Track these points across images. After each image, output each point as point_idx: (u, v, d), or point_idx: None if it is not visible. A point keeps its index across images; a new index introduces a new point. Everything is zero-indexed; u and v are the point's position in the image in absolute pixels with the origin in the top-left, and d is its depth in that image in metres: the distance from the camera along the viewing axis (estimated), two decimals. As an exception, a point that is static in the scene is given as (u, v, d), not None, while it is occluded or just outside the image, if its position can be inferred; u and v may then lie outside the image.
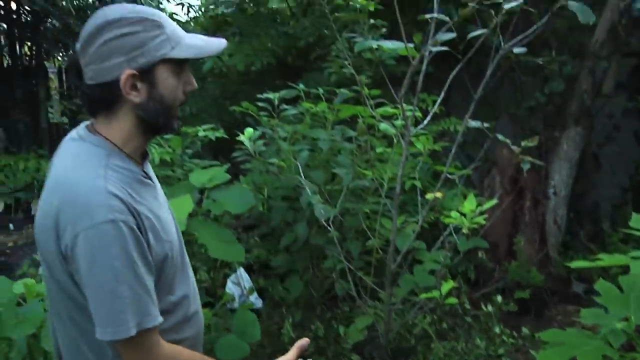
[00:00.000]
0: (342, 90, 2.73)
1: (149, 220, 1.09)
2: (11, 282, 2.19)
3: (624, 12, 3.38)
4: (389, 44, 1.84)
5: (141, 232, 1.06)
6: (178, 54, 1.09)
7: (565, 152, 3.83)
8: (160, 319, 1.07)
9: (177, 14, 7.22)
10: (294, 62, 5.22)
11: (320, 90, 2.95)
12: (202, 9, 6.55)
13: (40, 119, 6.75)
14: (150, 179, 1.20)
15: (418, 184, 2.47)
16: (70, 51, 7.00)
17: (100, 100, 1.11)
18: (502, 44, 1.80)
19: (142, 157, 1.21)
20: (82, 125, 1.17)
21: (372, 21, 2.26)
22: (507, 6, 1.69)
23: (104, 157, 1.09)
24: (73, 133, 1.17)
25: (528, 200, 3.81)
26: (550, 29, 3.64)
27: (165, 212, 1.23)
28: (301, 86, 3.02)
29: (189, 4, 6.66)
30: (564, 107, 3.85)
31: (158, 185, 1.27)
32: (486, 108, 4.34)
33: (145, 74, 1.08)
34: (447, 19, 1.75)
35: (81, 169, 1.06)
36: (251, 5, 6.00)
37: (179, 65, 1.13)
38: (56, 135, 7.39)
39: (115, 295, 1.00)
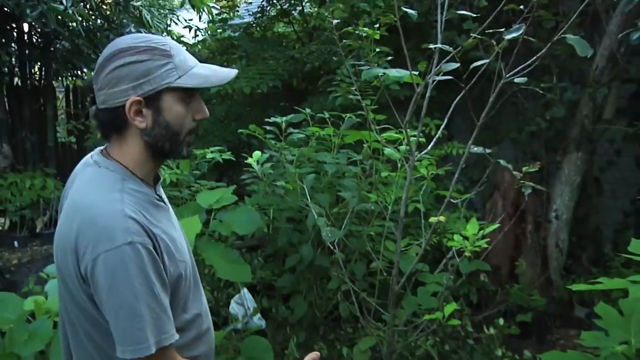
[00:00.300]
0: (349, 115, 2.79)
1: (164, 242, 1.14)
2: (21, 300, 2.22)
3: (622, 40, 3.45)
4: (394, 72, 1.90)
5: (157, 253, 1.10)
6: (183, 82, 1.14)
7: (566, 176, 3.87)
8: (176, 336, 1.11)
9: (184, 37, 7.33)
10: (299, 85, 5.30)
11: (326, 115, 3.02)
12: (209, 32, 6.67)
13: (48, 138, 6.82)
14: (162, 201, 1.25)
15: (421, 207, 2.51)
16: (78, 72, 7.11)
17: (111, 124, 1.17)
18: (504, 71, 1.86)
19: (154, 180, 1.27)
20: (97, 150, 1.23)
21: (377, 49, 2.32)
22: (508, 37, 1.76)
23: (119, 181, 1.14)
24: (88, 158, 1.23)
25: (530, 223, 3.84)
26: (551, 56, 3.72)
27: (178, 232, 1.27)
28: (307, 110, 3.08)
29: (196, 27, 6.79)
30: (566, 132, 3.90)
31: (170, 207, 1.32)
32: (488, 132, 4.40)
33: (151, 100, 1.13)
34: (450, 49, 1.81)
35: (98, 193, 1.11)
36: (258, 29, 6.12)
37: (186, 93, 1.17)
38: (62, 154, 7.47)
39: (135, 314, 1.04)
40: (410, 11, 1.96)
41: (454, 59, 1.83)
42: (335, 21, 2.18)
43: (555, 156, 3.99)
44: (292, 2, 5.81)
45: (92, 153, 1.23)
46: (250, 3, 6.82)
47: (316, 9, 5.68)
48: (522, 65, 1.85)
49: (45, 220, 6.05)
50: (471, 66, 1.81)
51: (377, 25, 2.19)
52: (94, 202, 1.10)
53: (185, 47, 1.27)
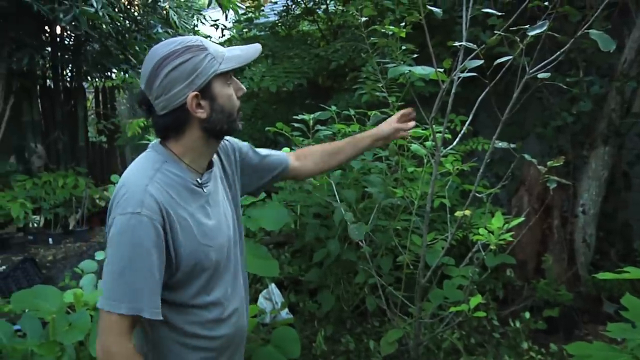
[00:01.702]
0: (375, 112, 2.83)
1: (186, 222, 1.25)
2: (61, 292, 2.32)
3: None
4: (420, 70, 1.94)
5: (168, 231, 1.21)
6: (226, 66, 1.27)
7: (593, 170, 3.84)
8: (154, 314, 1.20)
9: (211, 36, 7.45)
10: (325, 83, 5.35)
11: (352, 112, 3.06)
12: (236, 31, 6.76)
13: (79, 138, 7.00)
14: (202, 187, 1.33)
15: (447, 202, 2.54)
16: (108, 73, 7.27)
17: (173, 126, 1.28)
18: (527, 67, 1.88)
19: (206, 167, 1.38)
20: (157, 139, 1.35)
21: (403, 47, 2.36)
22: (531, 33, 1.77)
23: (159, 162, 1.27)
24: (150, 144, 1.36)
25: (556, 218, 3.82)
26: (578, 49, 3.69)
27: (213, 220, 1.35)
28: (333, 108, 3.13)
29: (223, 25, 6.88)
30: (593, 127, 3.87)
31: (217, 194, 1.41)
32: (514, 127, 4.39)
33: (205, 91, 1.25)
34: (474, 47, 1.84)
35: (137, 168, 1.27)
36: (283, 28, 6.18)
37: (228, 76, 1.29)
38: (93, 153, 7.65)
39: (124, 275, 1.17)
40: (435, 9, 1.99)
41: (478, 56, 1.86)
42: (363, 19, 2.22)
43: (581, 151, 3.95)
44: (317, 0, 5.85)
45: (153, 141, 1.36)
46: (276, 2, 6.88)
47: (340, 7, 5.71)
48: (547, 60, 1.86)
49: (77, 218, 6.22)
50: (495, 62, 1.83)
51: (403, 24, 2.23)
52: (130, 174, 1.26)
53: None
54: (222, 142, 1.50)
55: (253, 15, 6.50)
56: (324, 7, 5.84)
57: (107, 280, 1.18)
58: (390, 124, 1.84)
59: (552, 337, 3.34)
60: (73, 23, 4.98)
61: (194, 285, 1.29)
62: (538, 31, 1.73)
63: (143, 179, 1.22)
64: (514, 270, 3.55)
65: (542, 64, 1.85)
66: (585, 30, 1.66)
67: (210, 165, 1.40)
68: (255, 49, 1.34)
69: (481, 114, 4.11)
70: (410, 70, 1.98)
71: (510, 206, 3.93)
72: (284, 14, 6.18)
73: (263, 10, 6.67)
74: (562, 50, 1.79)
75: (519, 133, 4.43)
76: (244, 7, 6.66)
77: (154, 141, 1.35)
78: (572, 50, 3.68)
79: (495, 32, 1.86)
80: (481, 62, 1.84)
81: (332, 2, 5.79)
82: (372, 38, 2.32)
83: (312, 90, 5.38)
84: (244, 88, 1.37)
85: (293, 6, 6.13)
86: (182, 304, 1.30)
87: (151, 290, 1.19)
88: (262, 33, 6.19)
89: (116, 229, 1.18)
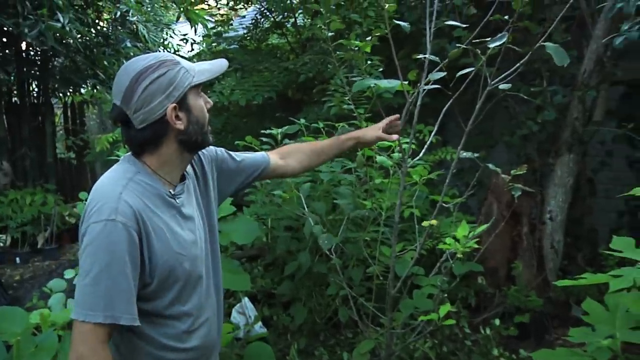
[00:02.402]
0: (342, 124, 2.85)
1: (161, 230, 1.26)
2: (27, 313, 2.28)
3: (609, 44, 3.52)
4: (385, 83, 1.97)
5: (142, 238, 1.22)
6: (199, 79, 1.31)
7: (559, 177, 3.92)
8: (131, 320, 1.19)
9: (181, 46, 7.44)
10: (294, 95, 5.37)
11: (321, 124, 3.08)
12: (204, 44, 6.76)
13: (47, 154, 6.88)
14: (175, 198, 1.35)
15: (416, 212, 2.57)
16: (76, 88, 7.17)
17: (151, 139, 1.29)
18: (489, 78, 1.92)
19: (180, 179, 1.39)
20: (130, 153, 1.36)
21: (369, 62, 2.39)
22: (492, 45, 1.82)
23: (132, 172, 1.29)
24: (123, 156, 1.37)
25: (525, 225, 3.89)
26: (541, 60, 3.78)
27: (187, 230, 1.36)
28: (302, 121, 3.14)
29: (192, 39, 6.87)
30: (557, 135, 3.96)
31: (190, 206, 1.42)
32: (482, 136, 4.47)
33: (182, 103, 1.29)
34: (437, 60, 1.88)
35: (110, 178, 1.28)
36: (251, 41, 6.20)
37: (199, 88, 1.34)
38: (62, 170, 7.52)
39: (98, 282, 1.16)
40: (402, 23, 2.02)
41: (442, 68, 1.90)
42: (330, 33, 2.25)
43: (547, 158, 4.04)
44: (285, 14, 5.89)
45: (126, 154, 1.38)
46: (244, 17, 6.91)
47: (309, 20, 5.75)
48: (508, 72, 1.91)
49: (46, 236, 6.09)
50: (457, 74, 1.87)
51: (369, 38, 2.26)
52: (103, 184, 1.27)
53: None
54: (195, 156, 1.51)
55: (222, 29, 6.50)
56: (292, 20, 5.87)
57: (82, 289, 1.17)
58: (375, 131, 1.89)
59: (523, 342, 3.38)
60: (40, 38, 4.91)
61: (168, 295, 1.29)
62: (498, 43, 1.78)
63: (117, 187, 1.23)
64: (485, 277, 3.60)
65: (504, 74, 1.90)
66: (542, 43, 1.71)
67: (183, 178, 1.42)
68: (221, 63, 1.40)
69: (450, 123, 4.18)
70: (375, 84, 2.01)
71: (480, 215, 3.98)
72: (252, 27, 6.20)
73: (232, 24, 6.68)
74: (521, 61, 1.84)
75: (487, 142, 4.51)
76: (213, 21, 6.66)
77: (126, 154, 1.36)
78: (535, 60, 3.78)
79: (458, 44, 1.90)
80: (444, 74, 1.88)
81: (301, 15, 5.83)
82: (338, 52, 2.34)
83: (282, 103, 5.39)
84: (211, 102, 1.41)
85: (262, 20, 6.16)
86: (156, 314, 1.29)
87: (127, 297, 1.18)
88: (232, 47, 6.19)
89: (91, 237, 1.17)
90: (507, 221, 3.66)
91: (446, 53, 2.02)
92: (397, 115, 1.93)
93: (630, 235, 1.88)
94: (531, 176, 4.03)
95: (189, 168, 1.47)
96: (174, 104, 1.26)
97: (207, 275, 1.45)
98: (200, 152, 1.54)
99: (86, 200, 1.27)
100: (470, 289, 3.56)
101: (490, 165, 2.10)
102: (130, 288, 1.18)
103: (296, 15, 5.77)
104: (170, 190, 1.34)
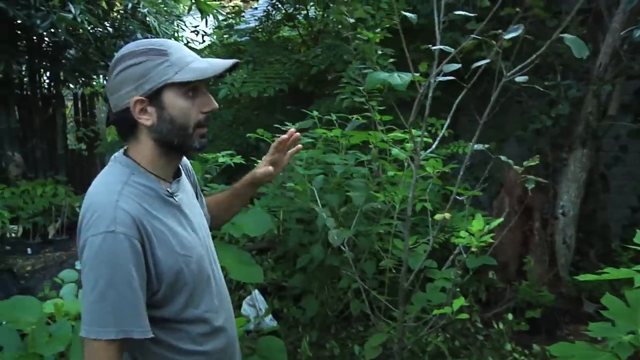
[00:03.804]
0: (356, 117, 2.83)
1: (162, 234, 1.20)
2: (40, 303, 2.29)
3: (626, 37, 3.48)
4: (397, 77, 1.95)
5: (147, 245, 1.16)
6: (181, 77, 1.19)
7: (572, 172, 3.89)
8: (144, 332, 1.15)
9: (193, 40, 7.42)
10: (306, 88, 5.34)
11: (333, 117, 3.06)
12: (216, 37, 6.75)
13: (58, 146, 6.92)
14: (173, 197, 1.30)
15: (429, 205, 2.55)
16: (87, 80, 7.19)
17: (123, 126, 1.25)
18: (505, 70, 1.90)
19: (173, 176, 1.34)
20: (120, 150, 1.30)
21: (379, 52, 2.37)
22: (507, 36, 1.80)
23: (126, 174, 1.22)
24: (113, 156, 1.31)
25: (537, 220, 3.87)
26: (555, 54, 3.75)
27: (189, 230, 1.31)
28: (315, 113, 3.13)
29: (204, 31, 6.86)
30: (571, 129, 3.93)
31: (189, 203, 1.37)
32: (494, 130, 4.43)
33: (153, 98, 1.20)
34: (451, 50, 1.86)
35: (103, 183, 1.22)
36: (263, 33, 6.18)
37: (188, 87, 1.22)
38: (72, 161, 7.56)
39: (105, 298, 1.11)
40: (409, 15, 2.00)
41: (455, 59, 1.88)
42: (351, 20, 2.22)
43: (560, 153, 4.01)
44: (297, 6, 5.86)
45: (116, 153, 1.31)
46: (256, 8, 6.89)
47: (321, 12, 5.72)
48: (522, 64, 1.89)
49: (57, 227, 6.13)
50: (472, 67, 1.85)
51: (379, 30, 2.24)
52: (96, 191, 1.20)
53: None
54: (184, 161, 1.46)
55: (233, 21, 6.49)
56: (304, 12, 5.85)
57: (89, 306, 1.11)
58: (262, 168, 1.70)
59: (534, 337, 3.37)
60: (51, 30, 4.93)
61: (179, 300, 1.24)
62: (513, 34, 1.76)
63: (112, 194, 1.16)
64: (496, 272, 3.58)
65: (518, 67, 1.88)
66: (560, 35, 1.69)
67: (177, 174, 1.37)
68: (223, 63, 1.25)
69: (462, 117, 4.15)
70: (387, 79, 1.99)
71: (492, 209, 3.96)
72: (264, 19, 6.18)
73: (243, 16, 6.66)
74: (537, 53, 1.81)
75: (499, 136, 4.47)
76: (224, 13, 6.64)
77: (116, 153, 1.30)
78: (549, 54, 3.74)
79: (472, 36, 1.88)
80: (458, 66, 1.86)
81: (313, 7, 5.81)
82: (353, 42, 2.33)
83: (293, 95, 5.37)
84: (214, 104, 1.28)
85: (273, 12, 6.13)
86: (170, 319, 1.25)
87: (137, 309, 1.13)
88: (243, 39, 6.17)
89: (91, 251, 1.11)
90: (519, 216, 3.64)
91: (459, 46, 2.00)
92: (287, 135, 1.67)
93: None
94: (544, 171, 4.00)
95: (180, 168, 1.41)
96: (141, 97, 1.18)
97: (216, 275, 1.41)
98: (186, 161, 1.50)
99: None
100: (481, 283, 3.54)
101: (503, 158, 2.08)
102: (139, 300, 1.14)
103: (308, 7, 5.74)
104: (168, 189, 1.29)
